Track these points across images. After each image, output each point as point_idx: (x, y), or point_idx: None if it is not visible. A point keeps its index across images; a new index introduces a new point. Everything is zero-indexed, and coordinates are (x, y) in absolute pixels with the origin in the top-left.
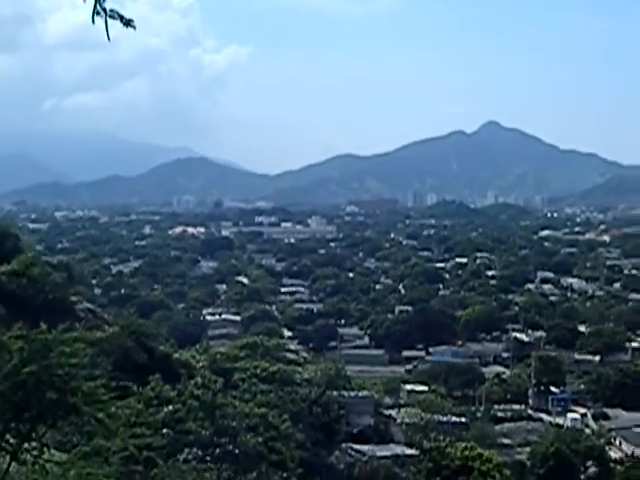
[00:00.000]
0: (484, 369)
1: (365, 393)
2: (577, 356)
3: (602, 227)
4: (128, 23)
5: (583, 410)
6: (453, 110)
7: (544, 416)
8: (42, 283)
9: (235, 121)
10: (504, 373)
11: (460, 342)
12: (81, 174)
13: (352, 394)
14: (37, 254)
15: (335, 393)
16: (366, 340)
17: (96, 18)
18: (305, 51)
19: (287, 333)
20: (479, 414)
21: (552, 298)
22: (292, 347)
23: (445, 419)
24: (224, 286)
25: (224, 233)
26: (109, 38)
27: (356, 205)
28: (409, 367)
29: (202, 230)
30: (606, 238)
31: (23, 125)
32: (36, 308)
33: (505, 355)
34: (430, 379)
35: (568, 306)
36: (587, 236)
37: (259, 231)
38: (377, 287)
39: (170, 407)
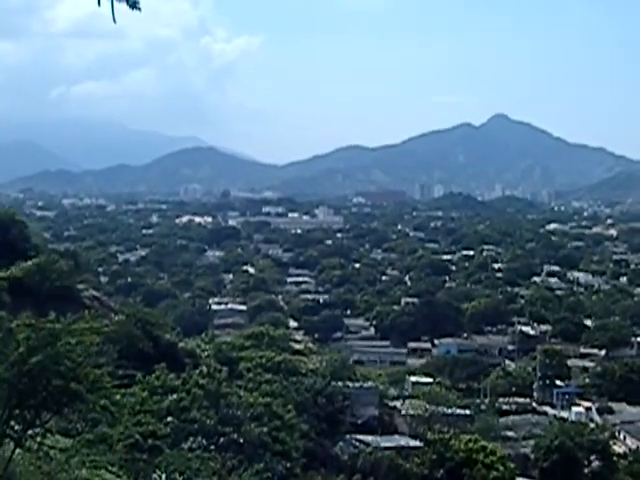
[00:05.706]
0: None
1: (370, 384)
2: (582, 350)
3: (609, 221)
4: (134, 5)
5: (588, 404)
6: (461, 103)
7: (549, 409)
8: (49, 270)
9: (243, 111)
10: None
11: (465, 335)
12: (88, 162)
13: (357, 385)
14: (44, 242)
15: (340, 384)
16: (372, 331)
17: (103, 2)
18: (314, 42)
19: (293, 323)
20: (484, 407)
21: (558, 292)
22: (298, 337)
23: (450, 411)
24: (230, 276)
25: (231, 223)
26: (115, 20)
27: (363, 196)
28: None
29: (209, 219)
30: (613, 232)
31: (31, 113)
32: (42, 296)
33: (511, 348)
34: (435, 371)
35: (574, 300)
36: (594, 230)
37: (266, 221)
38: (383, 278)
39: (175, 396)
